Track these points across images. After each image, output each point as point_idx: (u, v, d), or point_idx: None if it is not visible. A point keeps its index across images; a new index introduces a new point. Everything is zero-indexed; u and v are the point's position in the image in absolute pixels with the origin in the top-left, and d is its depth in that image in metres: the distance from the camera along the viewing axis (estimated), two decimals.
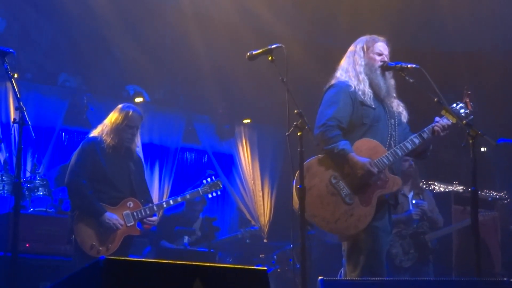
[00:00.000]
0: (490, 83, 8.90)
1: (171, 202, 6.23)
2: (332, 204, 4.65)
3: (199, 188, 6.50)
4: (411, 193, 7.33)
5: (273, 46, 4.77)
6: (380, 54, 4.97)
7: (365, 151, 4.74)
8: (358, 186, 4.70)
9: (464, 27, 8.73)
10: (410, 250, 7.08)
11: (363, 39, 5.06)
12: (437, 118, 4.91)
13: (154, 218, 6.04)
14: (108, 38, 8.75)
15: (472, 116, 5.00)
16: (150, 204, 6.03)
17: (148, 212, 5.93)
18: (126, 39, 8.67)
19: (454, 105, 5.03)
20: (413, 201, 7.24)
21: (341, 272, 4.94)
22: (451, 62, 9.13)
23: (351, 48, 5.09)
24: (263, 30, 8.71)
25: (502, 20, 8.72)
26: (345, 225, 4.64)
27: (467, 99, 5.04)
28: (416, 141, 4.85)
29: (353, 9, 8.53)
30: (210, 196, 6.63)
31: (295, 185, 4.64)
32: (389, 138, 4.89)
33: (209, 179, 6.59)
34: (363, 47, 5.01)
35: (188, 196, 6.39)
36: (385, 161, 4.75)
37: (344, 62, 5.05)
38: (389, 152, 4.79)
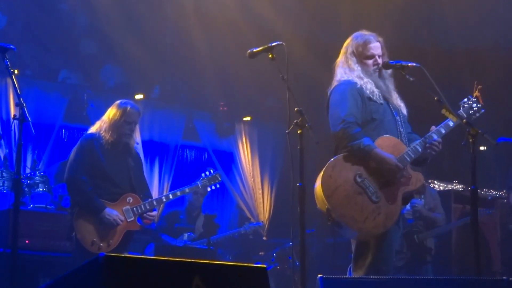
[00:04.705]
0: (491, 81, 8.87)
1: (171, 196, 6.26)
2: (360, 203, 4.63)
3: (198, 182, 6.53)
4: None
5: (273, 44, 4.77)
6: (372, 57, 4.94)
7: (386, 148, 4.74)
8: (383, 183, 4.70)
9: (465, 24, 8.71)
10: (402, 249, 7.06)
11: (352, 43, 4.98)
12: (432, 127, 4.90)
13: (154, 213, 6.07)
14: (109, 34, 8.74)
15: (484, 110, 5.01)
16: (150, 199, 6.04)
17: (148, 207, 5.95)
18: (127, 36, 8.65)
19: (466, 99, 5.03)
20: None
21: (350, 267, 4.94)
22: (452, 60, 9.11)
23: (343, 52, 5.03)
24: (264, 27, 8.69)
25: (504, 17, 8.71)
26: (373, 223, 4.63)
27: (478, 94, 5.04)
28: (434, 136, 4.85)
29: (355, 6, 8.52)
30: (209, 189, 6.67)
31: (318, 187, 4.66)
32: (399, 135, 4.89)
33: (207, 172, 6.65)
34: (353, 53, 4.96)
35: (187, 190, 6.43)
36: (407, 157, 4.76)
37: (340, 69, 5.01)
38: (409, 148, 4.79)
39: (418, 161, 4.89)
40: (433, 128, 4.90)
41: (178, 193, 6.31)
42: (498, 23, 8.80)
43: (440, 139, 4.85)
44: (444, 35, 9.17)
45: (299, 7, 8.75)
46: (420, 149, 4.80)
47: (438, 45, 9.36)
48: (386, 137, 4.80)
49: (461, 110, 4.98)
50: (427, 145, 4.81)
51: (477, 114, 5.02)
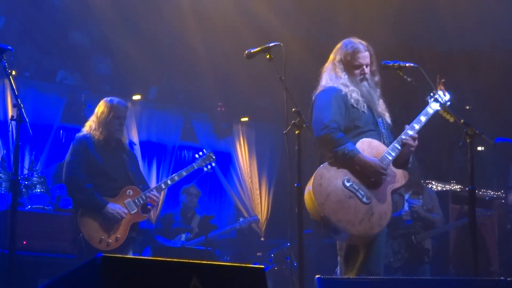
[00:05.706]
0: (489, 82, 8.89)
1: (169, 182, 6.30)
2: (353, 207, 4.66)
3: (193, 163, 6.57)
4: (408, 193, 7.30)
5: (271, 44, 4.78)
6: (359, 66, 4.94)
7: (368, 150, 4.76)
8: (371, 185, 4.73)
9: (463, 26, 8.72)
10: (400, 250, 7.07)
11: (341, 51, 4.99)
12: (406, 126, 4.88)
13: (158, 194, 6.10)
14: (106, 35, 8.74)
15: (450, 102, 4.95)
16: (150, 189, 6.10)
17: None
18: (124, 36, 8.65)
19: (431, 94, 4.96)
20: (407, 202, 7.22)
21: (337, 270, 4.95)
22: (449, 61, 9.12)
23: (331, 58, 5.05)
24: (261, 28, 8.69)
25: (501, 19, 8.72)
26: (369, 224, 4.66)
27: (442, 87, 5.00)
28: (409, 132, 4.82)
29: (353, 8, 8.52)
30: (205, 169, 6.72)
31: (309, 197, 4.65)
32: (382, 137, 4.90)
33: (200, 153, 6.71)
34: (341, 61, 4.97)
35: (184, 173, 6.45)
36: (388, 156, 4.77)
37: (326, 75, 5.02)
38: (389, 147, 4.79)
39: (400, 162, 4.88)
40: (407, 126, 4.88)
41: (176, 178, 6.35)
42: (496, 24, 8.81)
43: (415, 135, 4.82)
44: (441, 36, 9.18)
45: (297, 8, 8.75)
46: (399, 147, 4.80)
47: (436, 46, 9.37)
48: (366, 140, 4.82)
49: (429, 106, 4.93)
50: (403, 141, 4.80)
51: (449, 103, 4.95)
